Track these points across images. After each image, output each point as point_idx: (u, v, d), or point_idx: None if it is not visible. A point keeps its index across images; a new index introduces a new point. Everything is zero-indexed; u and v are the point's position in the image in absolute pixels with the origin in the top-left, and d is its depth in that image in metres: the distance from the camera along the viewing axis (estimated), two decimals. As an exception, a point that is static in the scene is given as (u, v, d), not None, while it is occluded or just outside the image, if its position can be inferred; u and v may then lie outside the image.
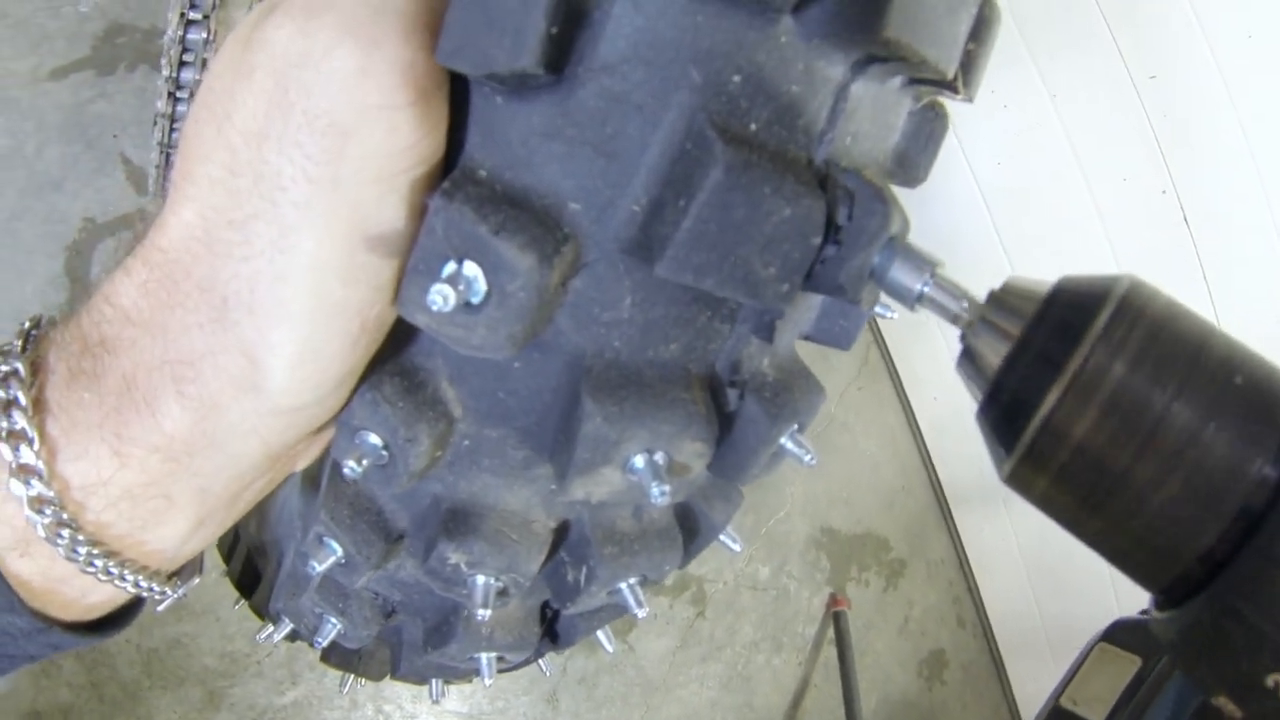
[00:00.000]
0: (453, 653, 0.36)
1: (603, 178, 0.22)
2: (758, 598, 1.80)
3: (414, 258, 0.22)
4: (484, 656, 0.35)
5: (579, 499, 0.27)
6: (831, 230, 0.23)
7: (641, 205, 0.22)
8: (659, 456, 0.25)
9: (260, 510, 0.43)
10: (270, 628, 0.42)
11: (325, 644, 0.37)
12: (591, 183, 0.22)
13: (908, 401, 2.00)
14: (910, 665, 1.87)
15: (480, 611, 0.29)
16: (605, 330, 0.24)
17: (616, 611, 0.37)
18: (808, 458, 0.28)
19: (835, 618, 1.77)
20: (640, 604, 0.32)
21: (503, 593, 0.30)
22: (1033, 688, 1.95)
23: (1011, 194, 1.66)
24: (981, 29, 0.25)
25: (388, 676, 0.46)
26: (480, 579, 0.29)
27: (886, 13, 0.20)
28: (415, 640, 0.40)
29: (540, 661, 0.48)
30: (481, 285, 0.21)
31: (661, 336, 0.24)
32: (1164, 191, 1.45)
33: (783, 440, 0.28)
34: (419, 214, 0.23)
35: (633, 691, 1.68)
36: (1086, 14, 1.41)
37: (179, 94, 0.90)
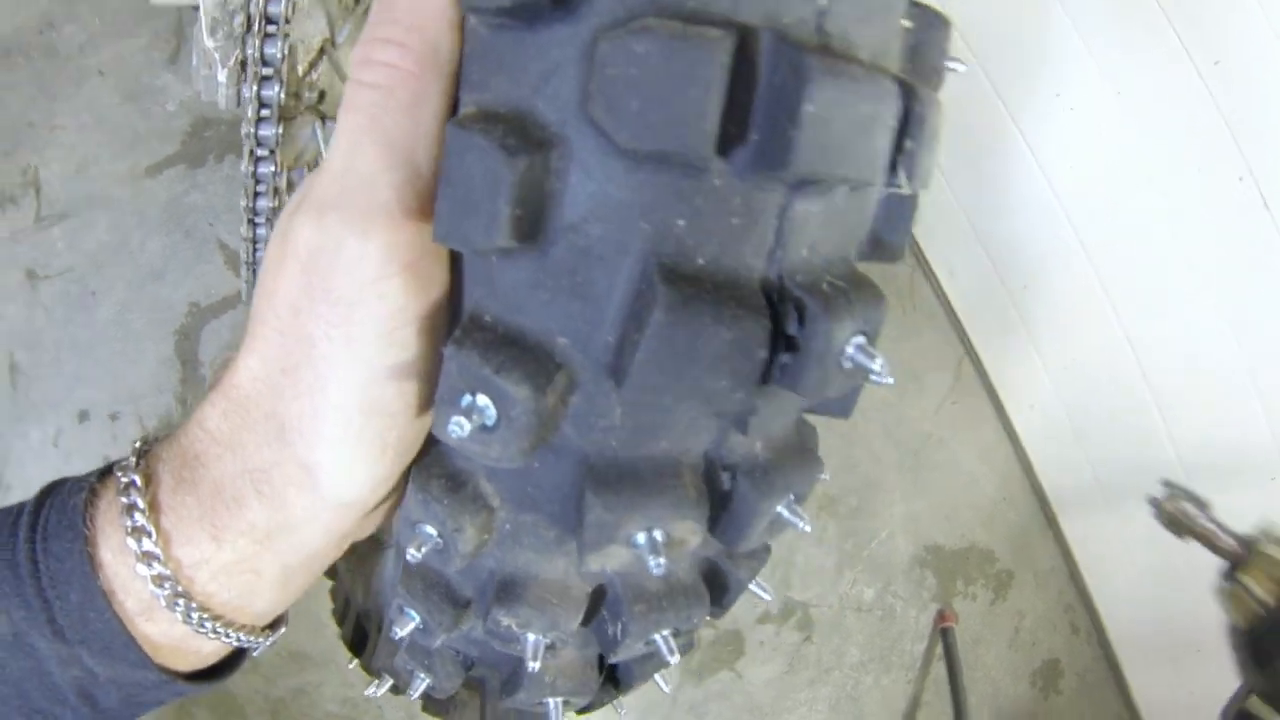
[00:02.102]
0: (522, 699, 0.46)
1: (580, 317, 0.30)
2: (863, 619, 2.06)
3: (439, 392, 0.31)
4: (551, 701, 0.46)
5: (595, 571, 0.36)
6: (781, 341, 0.30)
7: (613, 337, 0.30)
8: (657, 534, 0.34)
9: (365, 580, 0.57)
10: (376, 683, 0.55)
11: (416, 696, 0.50)
12: (572, 322, 0.30)
13: (1004, 412, 2.24)
14: (1023, 676, 2.10)
15: (531, 664, 0.39)
16: (602, 435, 0.33)
17: (660, 660, 0.48)
18: (802, 525, 0.36)
19: (943, 634, 2.01)
20: (673, 651, 0.41)
21: (551, 647, 0.40)
22: (1154, 693, 2.14)
23: (1086, 196, 1.87)
24: (915, 127, 0.31)
25: None
26: (530, 636, 0.39)
27: (793, 151, 0.27)
28: (494, 689, 0.50)
29: (617, 705, 0.59)
30: (492, 413, 0.30)
31: (651, 437, 0.33)
32: (1241, 179, 1.63)
33: (779, 510, 0.35)
34: (423, 353, 0.34)
35: (741, 717, 1.93)
36: (1143, 5, 1.60)
37: (258, 189, 1.17)
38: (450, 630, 0.42)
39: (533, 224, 0.29)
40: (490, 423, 0.31)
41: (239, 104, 1.05)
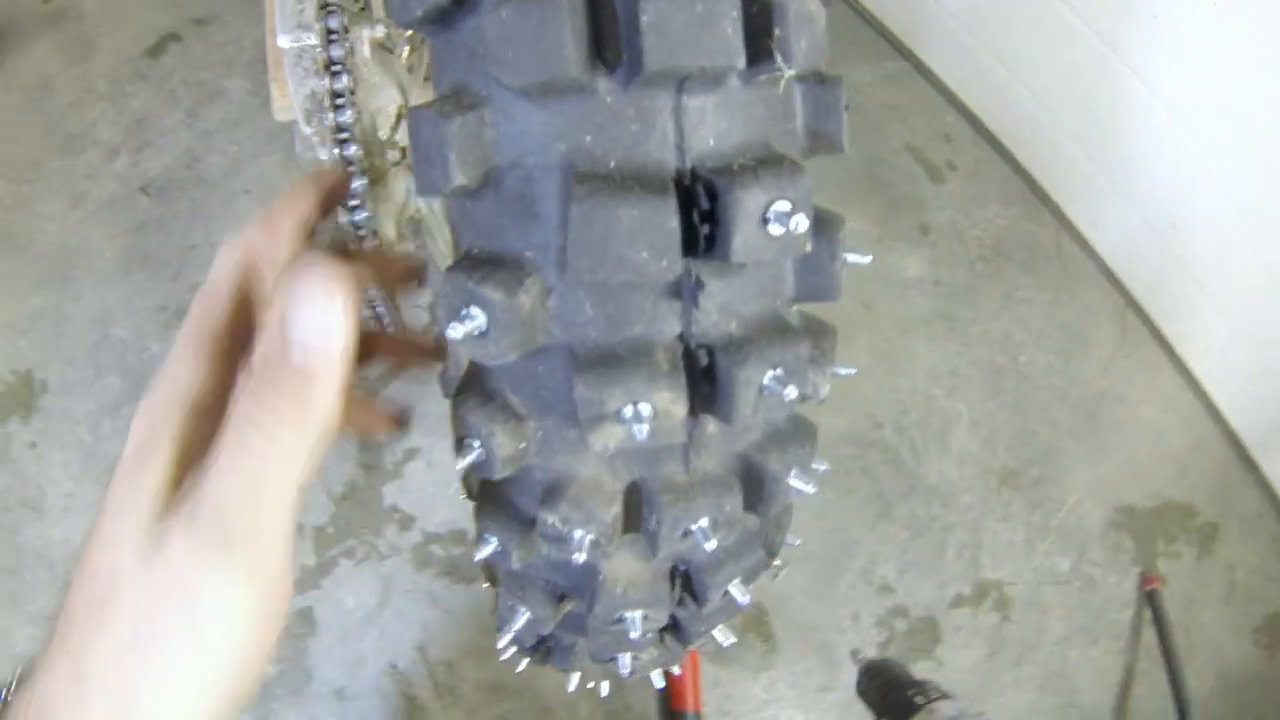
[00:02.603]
0: (600, 614, 0.49)
1: (535, 231, 0.37)
2: (1062, 591, 2.05)
3: (443, 310, 0.38)
4: (629, 615, 0.49)
5: (599, 450, 0.40)
6: (701, 217, 0.36)
7: (558, 240, 0.36)
8: (642, 407, 0.38)
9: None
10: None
11: (518, 629, 0.53)
12: (530, 236, 0.37)
13: (1178, 357, 2.19)
14: (1244, 634, 2.05)
15: (577, 556, 0.43)
16: (582, 329, 0.38)
17: (723, 568, 0.51)
18: (787, 392, 0.39)
19: (1149, 597, 1.99)
20: (708, 538, 0.44)
21: (596, 543, 0.44)
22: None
23: (1207, 117, 1.85)
24: (779, 16, 0.36)
25: (580, 668, 0.62)
26: (576, 533, 0.43)
27: (645, 54, 0.33)
28: (583, 620, 0.53)
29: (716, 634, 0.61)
30: (482, 318, 0.37)
31: (623, 323, 0.38)
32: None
33: (764, 382, 0.39)
34: None
35: None
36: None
37: (359, 233, 1.40)
38: (521, 548, 0.47)
39: (482, 167, 0.38)
40: (481, 329, 0.38)
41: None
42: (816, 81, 0.42)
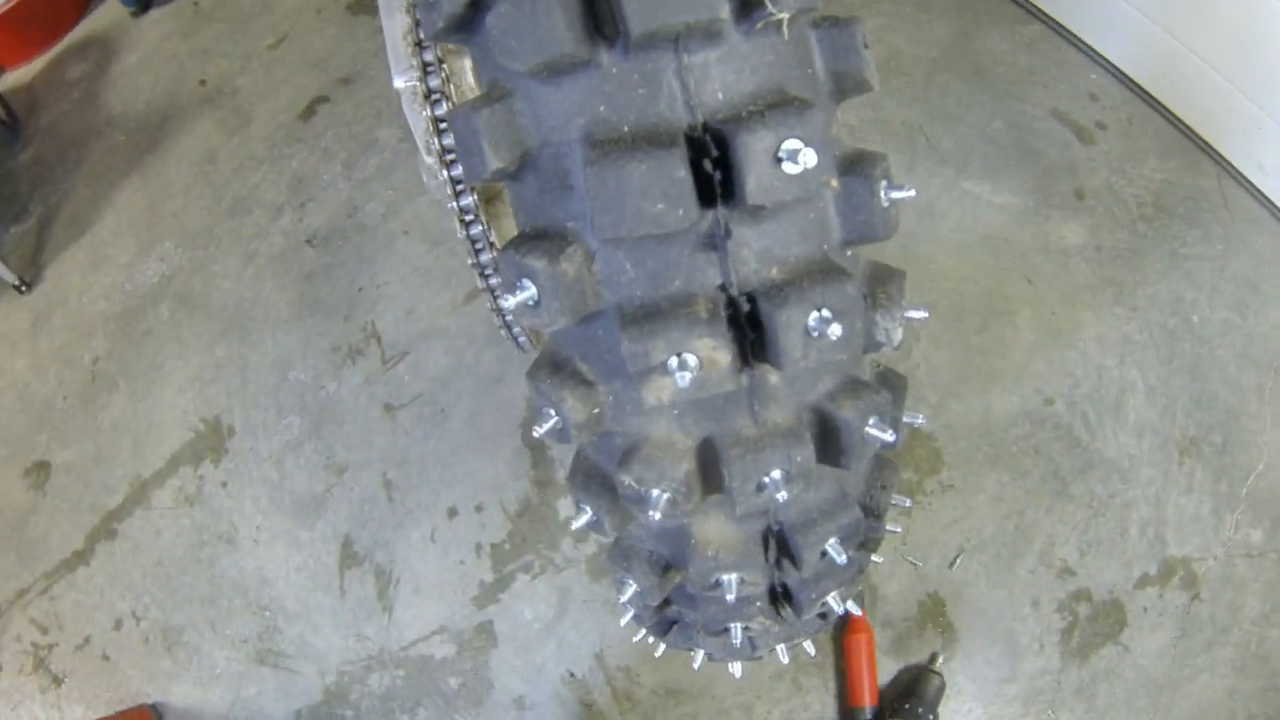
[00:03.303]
0: (696, 577, 0.52)
1: (571, 201, 0.42)
2: (1256, 565, 2.00)
3: (502, 285, 0.42)
4: (725, 578, 0.52)
5: (653, 404, 0.44)
6: (714, 165, 0.39)
7: (587, 205, 0.41)
8: (687, 356, 0.41)
9: None
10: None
11: (628, 599, 0.56)
12: (568, 207, 0.42)
13: None
14: None
15: (653, 513, 0.46)
16: (628, 288, 0.42)
17: (815, 528, 0.51)
18: (831, 329, 0.41)
19: None
20: (780, 489, 0.45)
21: (673, 501, 0.47)
22: None
23: None
24: None
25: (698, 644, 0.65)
26: (653, 492, 0.46)
27: (630, 19, 0.36)
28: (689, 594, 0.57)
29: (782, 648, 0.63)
30: (533, 290, 0.42)
31: (665, 279, 0.42)
32: None
33: (809, 323, 0.41)
34: None
35: (1136, 695, 1.92)
36: None
37: (476, 247, 1.54)
38: (612, 515, 0.51)
39: (517, 150, 0.43)
40: (533, 300, 0.42)
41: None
42: (831, 24, 0.44)
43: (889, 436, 0.52)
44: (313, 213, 2.37)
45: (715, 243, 0.42)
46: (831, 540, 0.53)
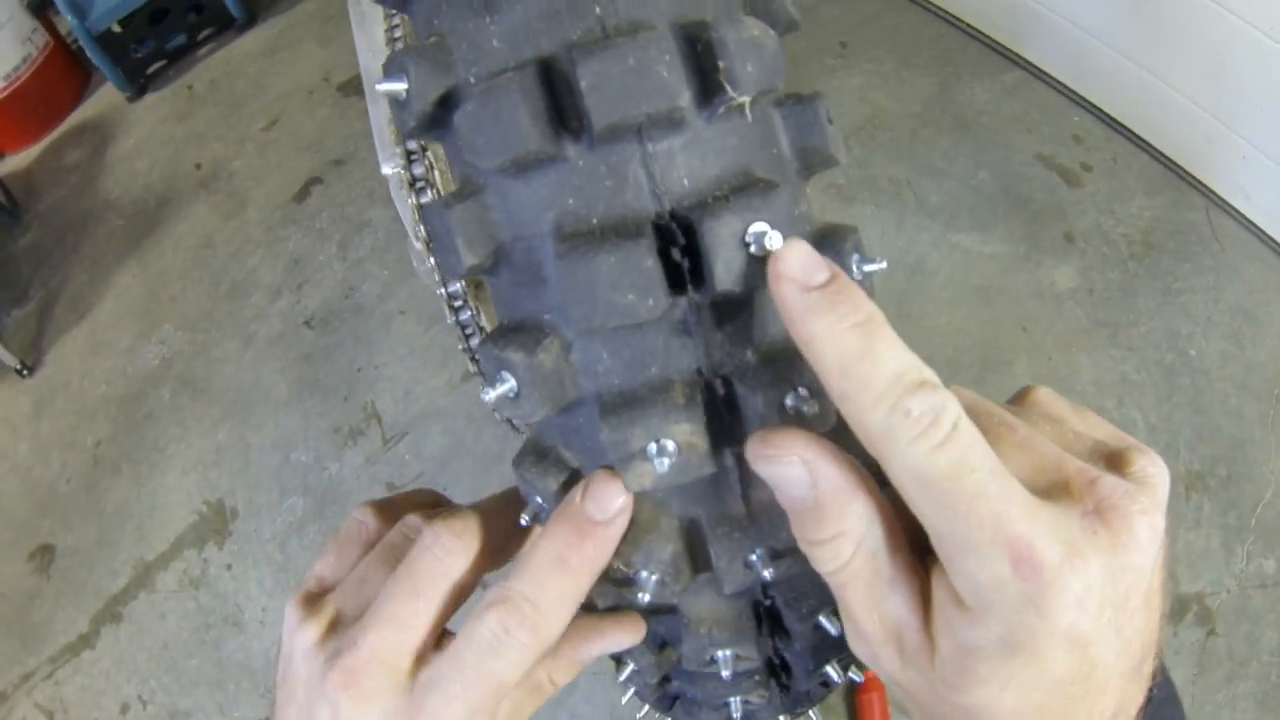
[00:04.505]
0: (691, 655, 0.52)
1: (545, 294, 0.41)
2: (1271, 595, 2.00)
3: (484, 382, 0.42)
4: (720, 654, 0.51)
5: (636, 489, 0.43)
6: (682, 253, 0.39)
7: (564, 297, 0.40)
8: (666, 443, 0.41)
9: None
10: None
11: (625, 678, 0.57)
12: (543, 299, 0.41)
13: None
14: None
15: (642, 595, 0.45)
16: (605, 376, 0.42)
17: (808, 599, 0.52)
18: (807, 408, 0.41)
19: None
20: (765, 566, 0.46)
21: (662, 583, 0.46)
22: None
23: None
24: (720, 50, 0.39)
25: None
26: (642, 574, 0.45)
27: (594, 115, 0.37)
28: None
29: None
30: (512, 382, 0.41)
31: (641, 367, 0.42)
32: None
33: (786, 401, 0.41)
34: None
35: None
36: None
37: (466, 332, 1.56)
38: (602, 596, 0.49)
39: (490, 246, 0.43)
40: (514, 392, 0.42)
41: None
42: (794, 102, 0.45)
43: None
44: (310, 294, 2.42)
45: (688, 329, 0.42)
46: (824, 613, 0.52)
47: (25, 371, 2.73)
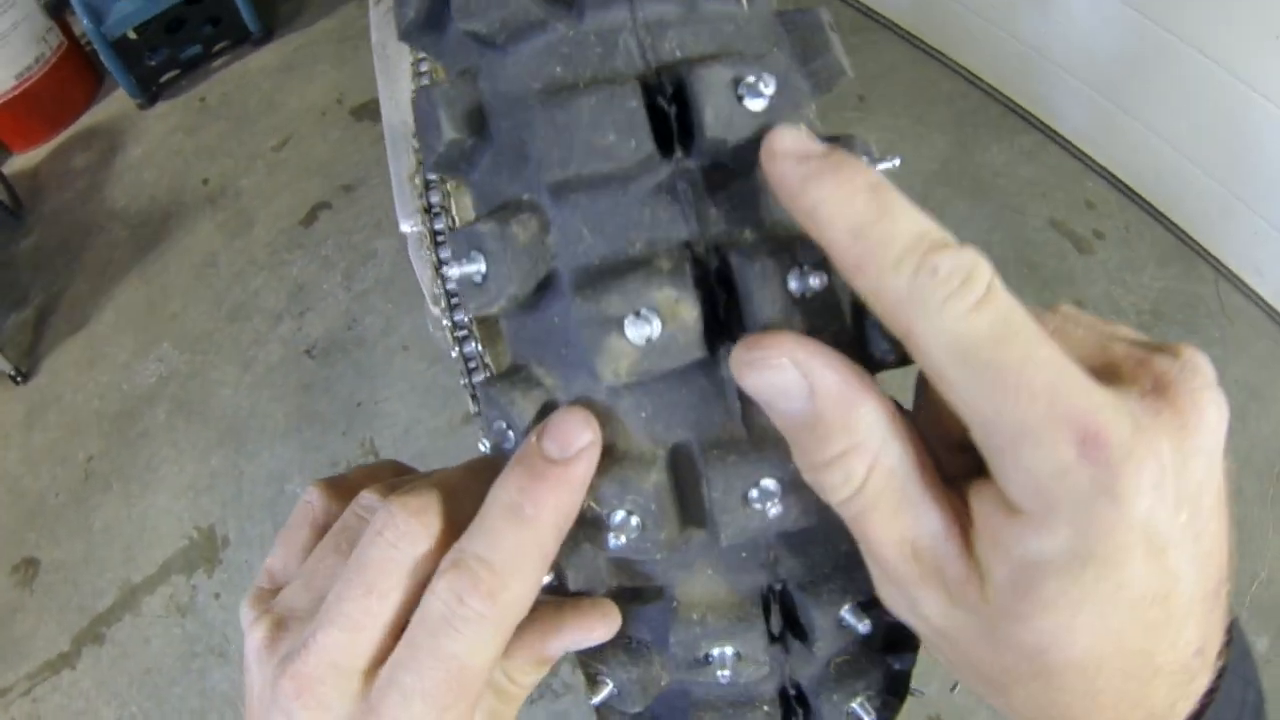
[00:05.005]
0: (679, 651, 0.44)
1: (527, 169, 0.39)
2: (1264, 674, 2.02)
3: (451, 258, 0.39)
4: (716, 650, 0.43)
5: (611, 382, 0.37)
6: (667, 100, 0.37)
7: (542, 143, 0.37)
8: (645, 313, 0.36)
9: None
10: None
11: (600, 700, 0.47)
12: (524, 176, 0.39)
13: None
14: None
15: (613, 539, 0.39)
16: (584, 255, 0.38)
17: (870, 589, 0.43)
18: (815, 281, 0.36)
19: None
20: (771, 500, 0.39)
21: (642, 527, 0.39)
22: None
23: None
24: None
25: None
26: (617, 513, 0.39)
27: None
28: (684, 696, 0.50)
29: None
30: (481, 264, 0.38)
31: (623, 239, 0.38)
32: None
33: (790, 284, 0.36)
34: None
35: None
36: None
37: (469, 365, 1.55)
38: (575, 560, 0.44)
39: (477, 123, 0.41)
40: (482, 270, 0.38)
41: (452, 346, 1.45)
42: (795, 11, 0.43)
43: None
44: (312, 323, 2.41)
45: (677, 196, 0.38)
46: (848, 605, 0.44)
47: (19, 378, 2.72)
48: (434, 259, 1.38)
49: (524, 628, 0.40)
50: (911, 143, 2.58)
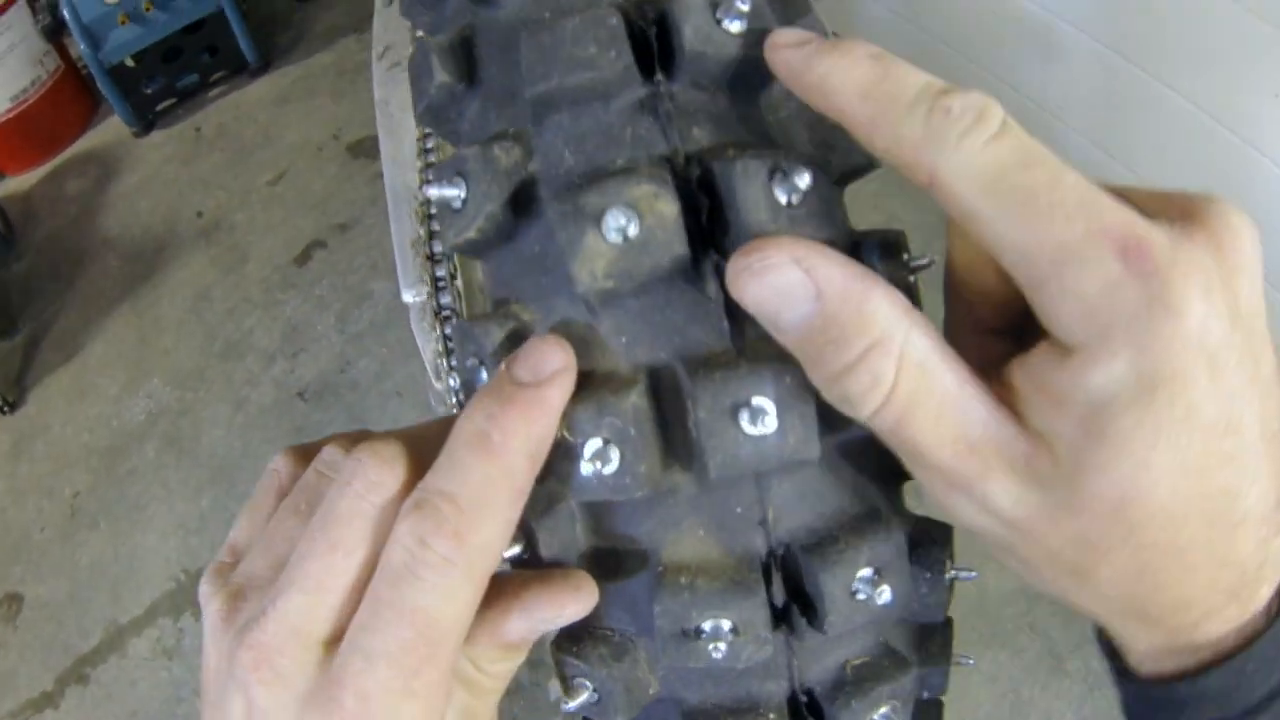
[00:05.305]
0: (667, 619, 0.38)
1: (514, 106, 0.39)
2: None
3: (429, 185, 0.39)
4: (709, 623, 0.37)
5: (586, 284, 0.35)
6: (649, 25, 0.37)
7: (525, 62, 0.37)
8: (623, 209, 0.34)
9: None
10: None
11: (577, 705, 0.42)
12: (513, 113, 0.39)
13: None
14: None
15: (584, 467, 0.35)
16: (567, 172, 0.37)
17: (889, 556, 0.38)
18: (800, 180, 0.34)
19: None
20: (760, 421, 0.34)
21: (623, 458, 0.35)
22: None
23: None
24: None
25: None
26: (590, 443, 0.35)
27: None
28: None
29: None
30: (460, 189, 0.37)
31: (605, 158, 0.37)
32: None
33: (776, 193, 0.35)
34: None
35: None
36: None
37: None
38: (547, 522, 0.40)
39: (467, 69, 0.42)
40: (462, 196, 0.38)
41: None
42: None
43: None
44: (305, 364, 2.40)
45: (657, 112, 0.38)
46: (864, 570, 0.38)
47: (7, 408, 2.70)
48: (440, 333, 1.35)
49: (485, 604, 0.35)
50: (911, 193, 2.55)
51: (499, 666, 0.39)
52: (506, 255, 0.40)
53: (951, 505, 0.34)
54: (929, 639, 0.46)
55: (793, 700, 0.43)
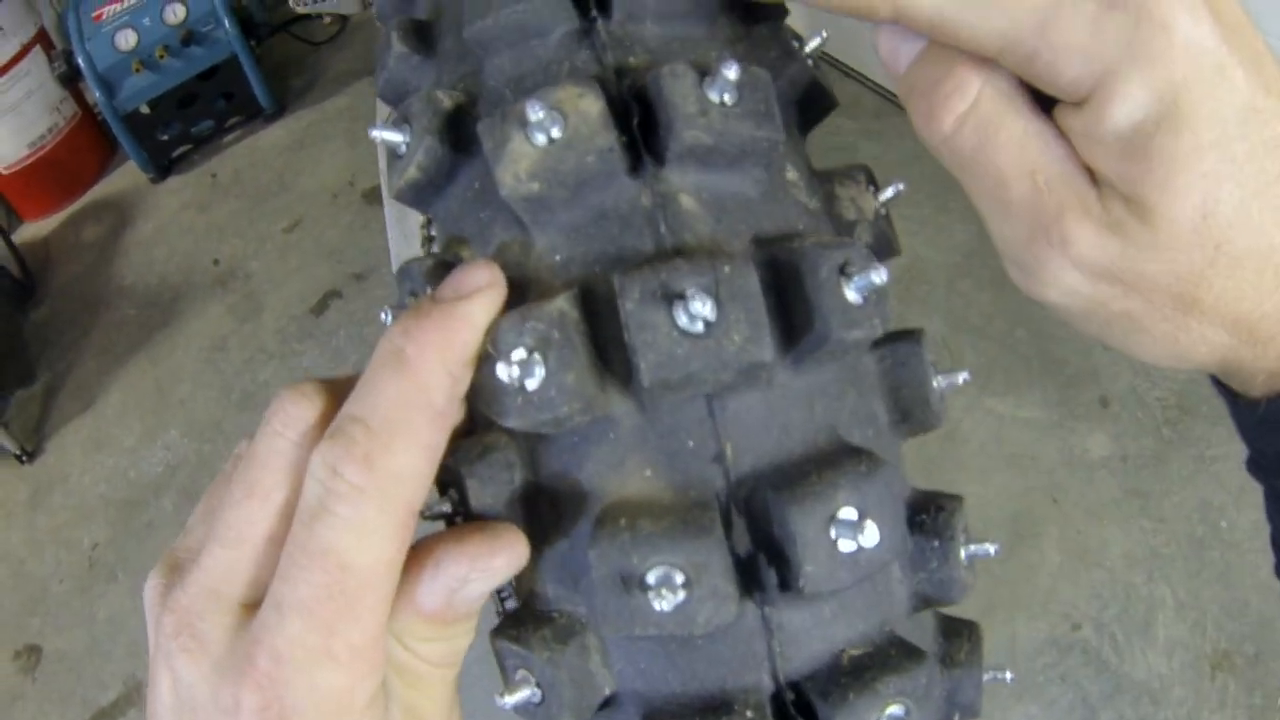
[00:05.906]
0: (604, 565, 0.31)
1: (460, 62, 0.40)
2: None
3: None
4: (653, 572, 0.31)
5: (511, 187, 0.33)
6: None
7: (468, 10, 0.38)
8: (547, 110, 0.33)
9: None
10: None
11: (516, 701, 0.35)
12: (456, 69, 0.40)
13: None
14: None
15: (502, 373, 0.31)
16: (504, 100, 0.38)
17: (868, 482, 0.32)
18: (729, 72, 0.34)
19: None
20: (695, 318, 0.30)
21: (546, 364, 0.31)
22: None
23: None
24: None
25: None
26: (516, 351, 0.31)
27: None
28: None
29: None
30: (406, 136, 0.38)
31: (540, 83, 0.37)
32: None
33: (709, 94, 0.34)
34: None
35: None
36: None
37: None
38: (481, 470, 0.35)
39: (425, 41, 0.43)
40: (405, 143, 0.39)
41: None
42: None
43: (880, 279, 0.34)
44: (322, 417, 2.38)
45: (594, 42, 0.37)
46: (844, 510, 0.32)
47: (25, 458, 2.70)
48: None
49: (404, 570, 0.32)
50: (933, 230, 2.55)
51: (430, 648, 0.34)
52: (450, 199, 0.40)
53: (1038, 266, 0.36)
54: (952, 639, 0.41)
55: (777, 698, 0.36)
